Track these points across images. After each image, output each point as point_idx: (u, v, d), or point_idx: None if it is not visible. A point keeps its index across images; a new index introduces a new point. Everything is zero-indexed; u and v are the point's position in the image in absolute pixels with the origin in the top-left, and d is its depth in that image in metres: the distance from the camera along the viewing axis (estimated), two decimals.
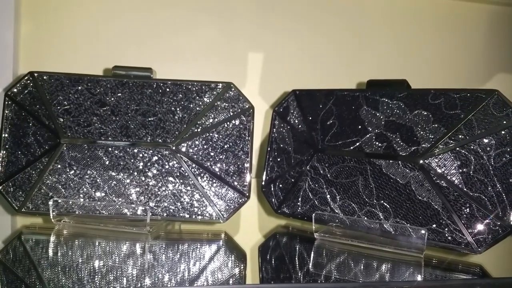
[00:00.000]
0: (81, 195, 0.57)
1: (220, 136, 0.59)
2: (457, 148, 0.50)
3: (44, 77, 0.59)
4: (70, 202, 0.56)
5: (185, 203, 0.57)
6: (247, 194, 0.58)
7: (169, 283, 0.40)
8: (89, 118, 0.58)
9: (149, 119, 0.59)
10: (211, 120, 0.59)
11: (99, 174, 0.57)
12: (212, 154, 0.58)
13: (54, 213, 0.55)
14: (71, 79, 0.59)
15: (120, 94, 0.59)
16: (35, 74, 0.59)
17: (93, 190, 0.57)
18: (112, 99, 0.59)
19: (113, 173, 0.57)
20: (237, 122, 0.59)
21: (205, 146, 0.58)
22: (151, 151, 0.58)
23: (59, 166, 0.57)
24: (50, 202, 0.54)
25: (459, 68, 0.93)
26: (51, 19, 0.77)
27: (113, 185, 0.57)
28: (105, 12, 0.79)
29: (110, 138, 0.58)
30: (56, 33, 0.77)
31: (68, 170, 0.57)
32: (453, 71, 0.92)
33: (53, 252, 0.47)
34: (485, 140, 0.49)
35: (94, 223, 0.54)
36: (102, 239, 0.51)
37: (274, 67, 0.85)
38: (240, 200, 0.58)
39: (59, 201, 0.56)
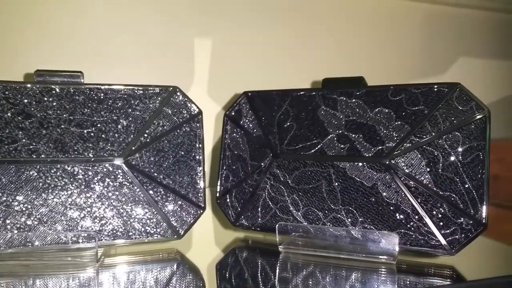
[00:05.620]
0: (8, 227, 0.48)
1: (171, 146, 0.53)
2: (424, 146, 0.48)
3: None
4: None
5: (135, 223, 0.50)
6: (203, 206, 0.53)
7: None
8: (13, 133, 0.50)
9: (87, 130, 0.51)
10: (160, 128, 0.53)
11: (30, 200, 0.49)
12: (164, 165, 0.52)
13: None
14: None
15: (47, 103, 0.51)
16: None
17: (23, 219, 0.48)
18: (38, 109, 0.51)
19: (49, 197, 0.49)
20: (187, 129, 0.54)
21: (156, 158, 0.52)
22: (95, 168, 0.51)
23: None
24: None
25: (414, 63, 0.93)
26: None
27: (48, 211, 0.49)
28: (24, 5, 0.68)
29: (43, 156, 0.50)
30: None
31: None
32: (408, 66, 0.92)
33: None
34: (452, 136, 0.47)
35: (25, 258, 0.46)
36: (36, 276, 0.43)
37: (223, 68, 0.80)
38: (196, 213, 0.52)
39: None
